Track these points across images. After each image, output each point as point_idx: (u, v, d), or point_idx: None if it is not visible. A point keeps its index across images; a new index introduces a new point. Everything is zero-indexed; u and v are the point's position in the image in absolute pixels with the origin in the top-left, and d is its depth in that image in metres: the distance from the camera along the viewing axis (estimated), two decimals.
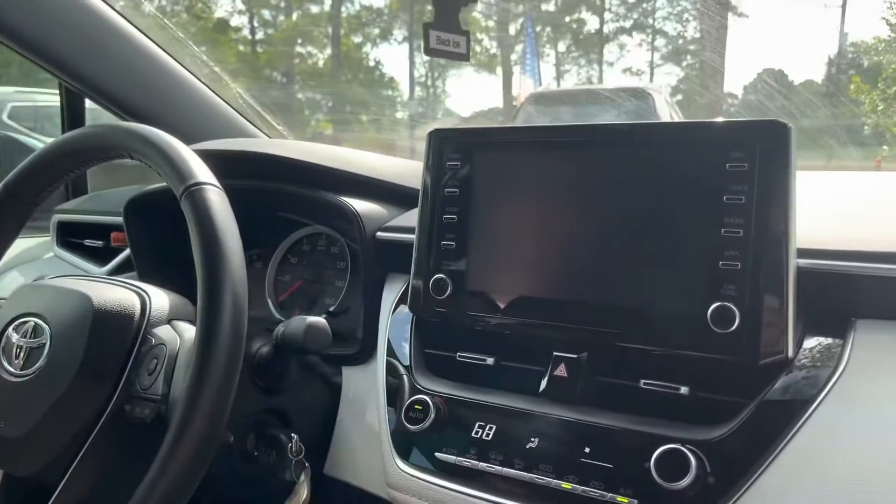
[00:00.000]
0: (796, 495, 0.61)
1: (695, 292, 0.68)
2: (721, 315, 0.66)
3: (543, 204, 0.77)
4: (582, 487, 0.67)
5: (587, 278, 0.74)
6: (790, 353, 0.66)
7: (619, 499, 0.65)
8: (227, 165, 0.83)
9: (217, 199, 0.69)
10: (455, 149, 0.83)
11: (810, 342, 0.69)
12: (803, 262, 0.69)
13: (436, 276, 0.81)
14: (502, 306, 0.78)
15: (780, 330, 0.65)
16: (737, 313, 0.65)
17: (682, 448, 0.63)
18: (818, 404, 0.63)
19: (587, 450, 0.69)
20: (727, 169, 0.68)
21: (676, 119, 5.01)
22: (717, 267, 0.67)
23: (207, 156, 0.75)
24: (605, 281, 0.73)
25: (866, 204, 0.90)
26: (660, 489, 0.63)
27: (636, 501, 0.64)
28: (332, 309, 1.05)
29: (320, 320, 0.79)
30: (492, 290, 0.79)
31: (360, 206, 0.95)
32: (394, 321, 0.89)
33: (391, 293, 0.92)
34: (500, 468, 0.71)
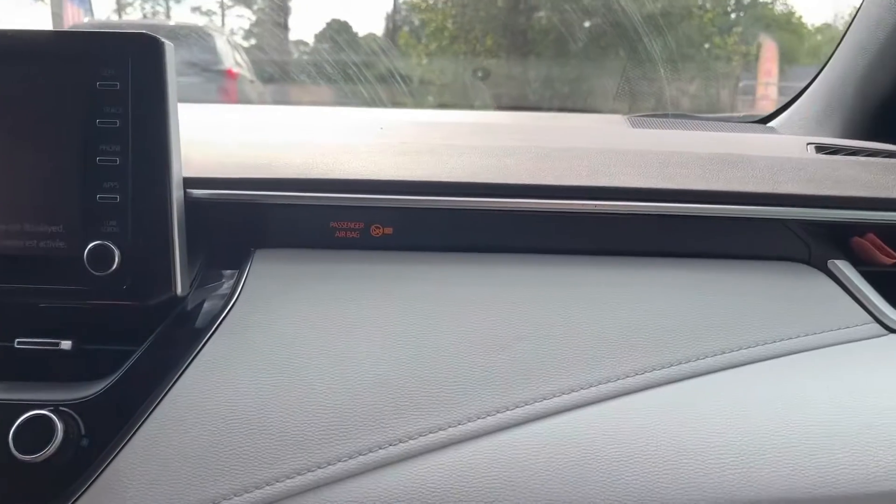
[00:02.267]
0: (179, 438, 0.56)
1: (72, 232, 0.59)
2: (98, 255, 0.58)
3: None
4: None
5: None
6: (180, 290, 0.61)
7: None
8: None
9: None
10: None
11: (208, 276, 0.66)
12: (200, 192, 0.65)
13: None
14: None
15: (167, 266, 0.60)
16: (116, 252, 0.58)
17: (48, 413, 0.54)
18: (207, 340, 0.60)
19: None
20: (98, 88, 0.59)
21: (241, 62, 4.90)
22: (94, 201, 0.59)
23: None
24: None
25: (293, 135, 0.90)
26: (19, 464, 0.53)
27: None
28: None
29: None
30: None
31: None
32: None
33: None
34: None
